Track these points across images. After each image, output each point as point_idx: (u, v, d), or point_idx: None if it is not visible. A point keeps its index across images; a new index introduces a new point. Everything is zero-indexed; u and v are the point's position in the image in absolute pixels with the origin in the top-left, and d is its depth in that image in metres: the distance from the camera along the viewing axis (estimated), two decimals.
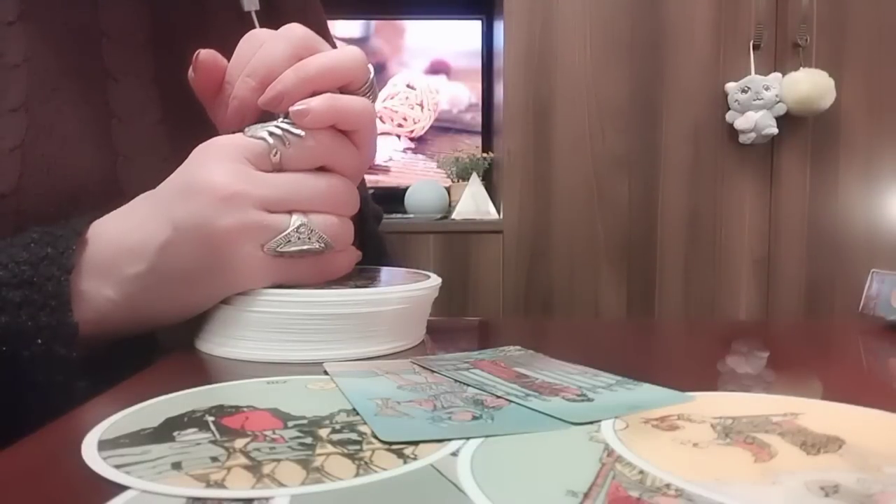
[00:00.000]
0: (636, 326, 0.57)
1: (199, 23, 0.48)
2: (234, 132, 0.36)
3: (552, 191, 1.56)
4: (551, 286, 1.56)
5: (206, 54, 0.37)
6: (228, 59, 0.38)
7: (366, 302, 0.34)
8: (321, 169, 0.36)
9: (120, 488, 0.18)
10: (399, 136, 1.90)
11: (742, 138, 1.52)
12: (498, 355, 0.33)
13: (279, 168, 0.34)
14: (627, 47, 1.54)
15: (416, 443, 0.21)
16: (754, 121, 1.48)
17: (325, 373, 0.30)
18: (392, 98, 1.89)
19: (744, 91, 1.49)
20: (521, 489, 0.18)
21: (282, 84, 0.35)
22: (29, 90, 0.39)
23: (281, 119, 0.35)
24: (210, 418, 0.23)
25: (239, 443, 0.21)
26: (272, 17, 0.41)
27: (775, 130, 1.49)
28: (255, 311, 0.33)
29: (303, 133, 0.34)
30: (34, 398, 0.32)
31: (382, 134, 1.88)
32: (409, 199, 1.74)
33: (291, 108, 0.34)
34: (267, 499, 0.17)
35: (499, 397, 0.25)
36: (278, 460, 0.19)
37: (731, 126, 1.53)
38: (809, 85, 1.45)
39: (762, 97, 1.48)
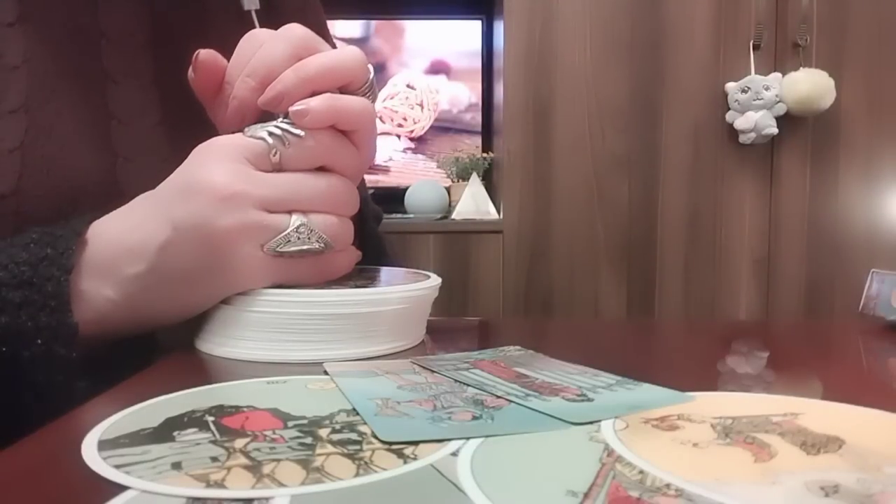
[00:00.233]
0: (636, 326, 0.57)
1: (198, 24, 0.48)
2: (233, 132, 0.36)
3: (552, 191, 1.56)
4: (551, 286, 1.56)
5: (205, 54, 0.37)
6: (228, 59, 0.38)
7: (366, 302, 0.34)
8: (321, 169, 0.36)
9: (120, 488, 0.18)
10: (399, 136, 1.90)
11: (742, 138, 1.52)
12: (498, 355, 0.33)
13: (279, 168, 0.34)
14: (627, 47, 1.54)
15: (416, 443, 0.21)
16: (754, 121, 1.48)
17: (325, 373, 0.30)
18: (392, 98, 1.89)
19: (744, 91, 1.49)
20: (521, 489, 0.18)
21: (281, 84, 0.35)
22: (28, 91, 0.39)
23: (281, 119, 0.35)
24: (210, 418, 0.23)
25: (239, 443, 0.21)
26: (272, 17, 0.41)
27: (775, 130, 1.49)
28: (255, 311, 0.33)
29: (302, 133, 0.34)
30: (34, 398, 0.32)
31: (382, 134, 1.88)
32: (409, 199, 1.74)
33: (291, 109, 0.34)
34: (267, 499, 0.17)
35: (499, 397, 0.25)
36: (278, 460, 0.19)
37: (731, 126, 1.53)
38: (809, 85, 1.45)
39: (762, 97, 1.48)
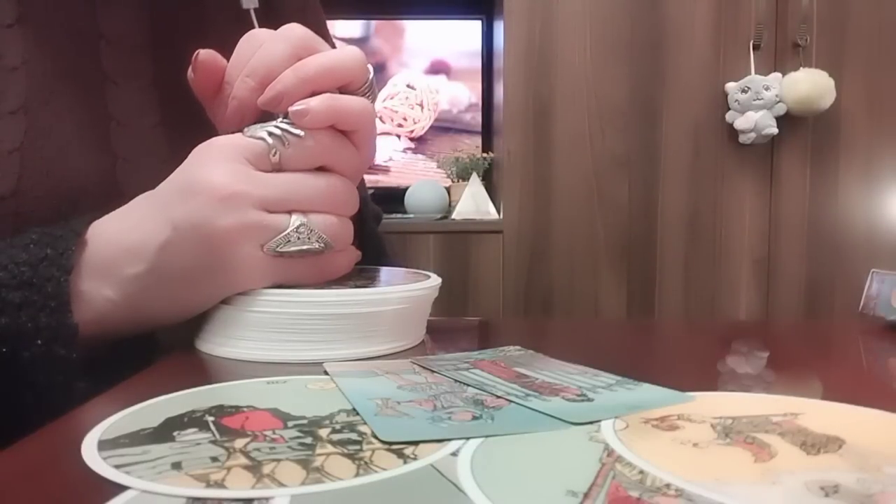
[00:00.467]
0: (636, 326, 0.57)
1: (197, 25, 0.48)
2: (233, 132, 0.36)
3: (552, 191, 1.56)
4: (551, 286, 1.56)
5: (205, 54, 0.37)
6: (228, 60, 0.38)
7: (366, 302, 0.34)
8: (321, 169, 0.36)
9: (120, 488, 0.18)
10: (399, 136, 1.90)
11: (742, 138, 1.52)
12: (498, 355, 0.33)
13: (278, 168, 0.34)
14: (627, 47, 1.54)
15: (416, 443, 0.21)
16: (754, 121, 1.48)
17: (325, 373, 0.30)
18: (392, 98, 1.89)
19: (744, 91, 1.49)
20: (521, 489, 0.18)
21: (281, 84, 0.35)
22: (28, 93, 0.39)
23: (280, 119, 0.35)
24: (210, 418, 0.23)
25: (239, 443, 0.21)
26: (271, 18, 0.41)
27: (775, 130, 1.49)
28: (255, 311, 0.33)
29: (302, 133, 0.34)
30: (34, 399, 0.32)
31: (382, 134, 1.88)
32: (409, 199, 1.74)
33: (291, 109, 0.34)
34: (267, 499, 0.17)
35: (499, 397, 0.25)
36: (278, 460, 0.19)
37: (731, 126, 1.53)
38: (809, 85, 1.45)
39: (762, 97, 1.48)
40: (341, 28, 1.87)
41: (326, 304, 0.33)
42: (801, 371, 0.34)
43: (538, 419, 0.23)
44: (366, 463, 0.19)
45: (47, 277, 0.32)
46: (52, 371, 0.32)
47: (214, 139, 0.34)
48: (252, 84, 0.36)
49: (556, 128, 1.55)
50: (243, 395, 0.26)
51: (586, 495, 0.17)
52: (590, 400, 0.25)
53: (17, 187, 0.37)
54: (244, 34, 0.38)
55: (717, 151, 1.55)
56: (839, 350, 0.41)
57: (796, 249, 1.56)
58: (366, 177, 0.59)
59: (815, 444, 0.21)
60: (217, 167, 0.32)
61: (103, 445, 0.21)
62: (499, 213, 1.63)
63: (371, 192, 0.74)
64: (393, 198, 1.78)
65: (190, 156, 0.34)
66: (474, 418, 0.23)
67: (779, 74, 1.50)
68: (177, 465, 0.19)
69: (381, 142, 1.87)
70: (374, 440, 0.21)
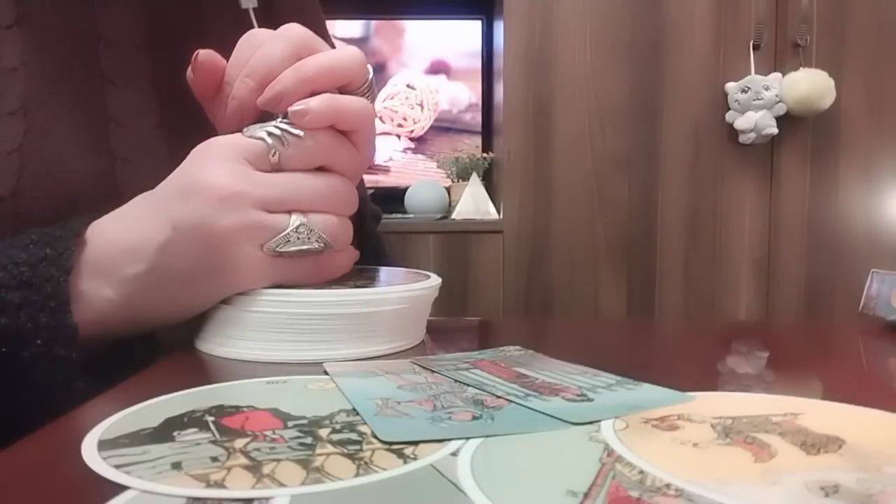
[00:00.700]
0: (636, 326, 0.57)
1: (196, 26, 0.48)
2: (232, 132, 0.36)
3: (552, 191, 1.56)
4: (551, 286, 1.56)
5: (205, 54, 0.37)
6: (227, 60, 0.38)
7: (366, 302, 0.34)
8: (320, 169, 0.36)
9: (120, 488, 0.18)
10: (399, 136, 1.90)
11: (742, 138, 1.52)
12: (498, 355, 0.33)
13: (278, 168, 0.34)
14: (627, 47, 1.54)
15: (416, 443, 0.21)
16: (754, 121, 1.48)
17: (325, 373, 0.30)
18: (392, 98, 1.89)
19: (744, 91, 1.49)
20: (521, 489, 0.18)
21: (281, 84, 0.35)
22: (27, 94, 0.39)
23: (280, 119, 0.35)
24: (210, 418, 0.23)
25: (239, 443, 0.21)
26: (270, 18, 0.41)
27: (775, 130, 1.49)
28: (255, 311, 0.33)
29: (301, 133, 0.34)
30: (34, 399, 0.32)
31: (382, 134, 1.88)
32: (409, 199, 1.74)
33: (290, 109, 0.34)
34: (267, 499, 0.17)
35: (499, 397, 0.25)
36: (278, 460, 0.19)
37: (731, 126, 1.53)
38: (809, 85, 1.45)
39: (762, 97, 1.48)
40: (341, 28, 1.87)
41: (326, 304, 0.33)
42: (801, 371, 0.34)
43: (538, 419, 0.23)
44: (366, 463, 0.19)
45: (47, 277, 0.32)
46: (52, 371, 0.32)
47: (214, 139, 0.34)
48: (252, 84, 0.36)
49: (556, 128, 1.55)
50: (243, 395, 0.26)
51: (586, 495, 0.17)
52: (590, 400, 0.25)
53: (16, 188, 0.37)
54: (243, 34, 0.38)
55: (717, 151, 1.55)
56: (839, 350, 0.41)
57: (796, 249, 1.56)
58: (366, 177, 0.59)
59: (815, 444, 0.21)
60: (217, 167, 0.32)
61: (103, 445, 0.21)
62: (499, 213, 1.63)
63: (371, 192, 0.74)
64: (393, 198, 1.78)
65: (189, 156, 0.34)
66: (474, 418, 0.23)
67: (779, 74, 1.50)
68: (177, 465, 0.19)
69: (381, 142, 1.87)
70: (374, 440, 0.21)
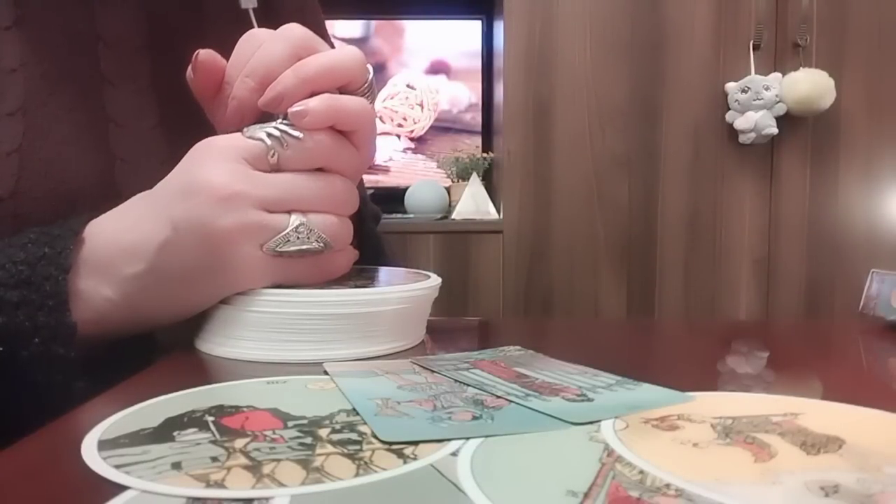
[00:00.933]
0: (636, 326, 0.57)
1: (196, 26, 0.48)
2: (232, 132, 0.36)
3: (552, 191, 1.56)
4: (551, 286, 1.56)
5: (205, 54, 0.37)
6: (227, 61, 0.38)
7: (366, 302, 0.34)
8: (320, 168, 0.36)
9: (120, 488, 0.18)
10: (399, 136, 1.90)
11: (742, 138, 1.52)
12: (498, 355, 0.33)
13: (277, 169, 0.34)
14: (627, 47, 1.54)
15: (416, 443, 0.21)
16: (754, 121, 1.48)
17: (325, 373, 0.30)
18: (392, 98, 1.89)
19: (744, 91, 1.49)
20: (521, 489, 0.18)
21: (281, 85, 0.35)
22: (26, 94, 0.39)
23: (279, 120, 0.35)
24: (210, 418, 0.23)
25: (239, 443, 0.21)
26: (269, 18, 0.41)
27: (775, 130, 1.49)
28: (255, 311, 0.33)
29: (301, 136, 0.34)
30: (33, 398, 0.32)
31: (382, 134, 1.88)
32: (409, 199, 1.74)
33: (290, 110, 0.34)
34: (267, 499, 0.17)
35: (499, 397, 0.25)
36: (278, 460, 0.19)
37: (731, 126, 1.53)
38: (809, 85, 1.45)
39: (762, 97, 1.48)
40: (341, 28, 1.87)
41: (326, 304, 0.33)
42: (801, 371, 0.34)
43: (538, 419, 0.23)
44: (366, 463, 0.19)
45: (45, 276, 0.31)
46: (51, 370, 0.32)
47: (212, 138, 0.34)
48: (252, 84, 0.36)
49: (556, 128, 1.55)
50: (243, 395, 0.26)
51: (586, 495, 0.17)
52: (590, 400, 0.25)
53: (15, 189, 0.37)
54: (243, 34, 0.38)
55: (717, 151, 1.55)
56: (839, 350, 0.41)
57: (796, 249, 1.56)
58: (366, 177, 0.59)
59: (815, 444, 0.21)
60: (216, 167, 0.32)
61: (103, 445, 0.21)
62: (499, 213, 1.63)
63: (371, 192, 0.74)
64: (393, 198, 1.78)
65: (188, 155, 0.34)
66: (474, 418, 0.23)
67: (779, 74, 1.50)
68: (177, 465, 0.19)
69: (381, 142, 1.87)
70: (374, 440, 0.21)
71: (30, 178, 0.38)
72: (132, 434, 0.22)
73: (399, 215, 1.74)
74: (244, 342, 0.34)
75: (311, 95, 0.35)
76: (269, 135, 0.34)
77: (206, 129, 0.39)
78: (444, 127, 1.90)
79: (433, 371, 0.30)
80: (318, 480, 0.18)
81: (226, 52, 0.38)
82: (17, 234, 0.34)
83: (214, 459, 0.19)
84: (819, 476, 0.18)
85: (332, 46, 0.40)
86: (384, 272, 0.43)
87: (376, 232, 0.56)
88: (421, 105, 1.89)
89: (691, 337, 0.46)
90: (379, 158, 1.88)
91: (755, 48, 1.52)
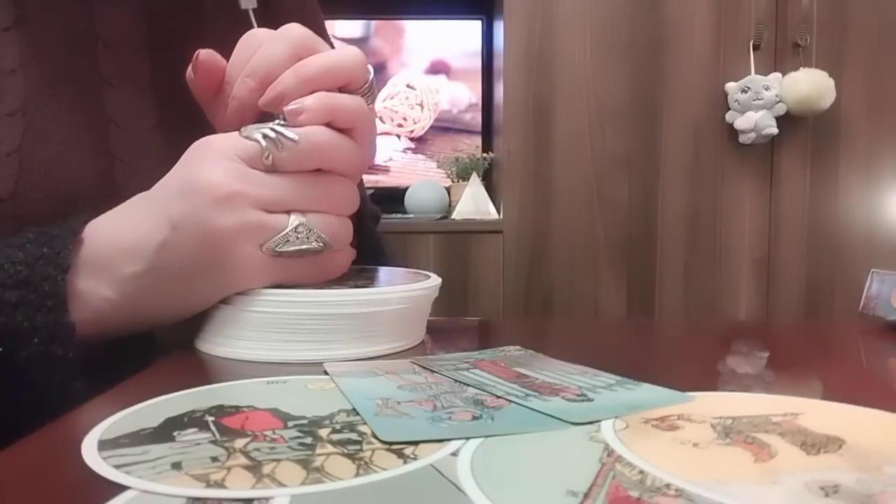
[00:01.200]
0: (636, 326, 0.57)
1: (195, 27, 0.48)
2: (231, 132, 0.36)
3: (552, 191, 1.56)
4: (551, 286, 1.56)
5: (205, 54, 0.37)
6: (226, 61, 0.38)
7: (366, 302, 0.34)
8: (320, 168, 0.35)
9: (120, 488, 0.18)
10: (399, 136, 1.90)
11: (742, 138, 1.52)
12: (498, 355, 0.33)
13: (272, 170, 0.34)
14: (627, 47, 1.54)
15: (416, 443, 0.21)
16: (754, 121, 1.48)
17: (325, 373, 0.30)
18: (392, 98, 1.89)
19: (744, 91, 1.49)
20: (521, 489, 0.18)
21: (282, 85, 0.35)
22: (25, 95, 0.39)
23: (276, 122, 0.34)
24: (210, 418, 0.23)
25: (239, 443, 0.21)
26: (269, 18, 0.41)
27: (775, 130, 1.49)
28: (255, 311, 0.33)
29: (296, 137, 0.33)
30: (33, 399, 0.32)
31: (382, 134, 1.88)
32: (409, 199, 1.74)
33: (286, 108, 0.34)
34: (267, 499, 0.17)
35: (499, 397, 0.25)
36: (278, 460, 0.19)
37: (731, 126, 1.53)
38: (809, 85, 1.45)
39: (762, 97, 1.48)
40: (341, 28, 1.87)
41: (326, 304, 0.33)
42: (801, 371, 0.34)
43: (538, 419, 0.23)
44: (366, 463, 0.19)
45: (44, 276, 0.31)
46: (50, 370, 0.32)
47: (210, 137, 0.34)
48: (252, 84, 0.35)
49: (556, 128, 1.55)
50: (243, 395, 0.26)
51: (586, 495, 0.17)
52: (590, 400, 0.25)
53: (15, 189, 0.37)
54: (243, 34, 0.38)
55: (717, 151, 1.55)
56: (839, 350, 0.41)
57: (796, 249, 1.56)
58: (366, 177, 0.59)
59: (815, 444, 0.21)
60: (215, 166, 0.32)
61: (103, 445, 0.21)
62: (499, 213, 1.63)
63: (371, 192, 0.74)
64: (393, 198, 1.78)
65: (185, 154, 0.34)
66: (474, 418, 0.23)
67: (779, 74, 1.50)
68: (177, 465, 0.19)
69: (381, 142, 1.87)
70: (374, 440, 0.21)
71: (29, 179, 0.38)
72: (132, 434, 0.22)
73: (399, 215, 1.74)
74: (244, 342, 0.34)
75: None
76: (265, 136, 0.33)
77: (205, 129, 0.39)
78: (444, 127, 1.90)
79: (433, 371, 0.30)
80: (319, 480, 0.18)
81: (226, 53, 0.37)
82: (16, 234, 0.34)
83: (214, 459, 0.19)
84: (819, 476, 0.18)
85: (332, 46, 0.40)
86: (384, 272, 0.43)
87: (376, 232, 0.56)
88: (421, 105, 1.89)
89: (691, 337, 0.46)
90: (379, 158, 1.88)
91: (755, 48, 1.52)
